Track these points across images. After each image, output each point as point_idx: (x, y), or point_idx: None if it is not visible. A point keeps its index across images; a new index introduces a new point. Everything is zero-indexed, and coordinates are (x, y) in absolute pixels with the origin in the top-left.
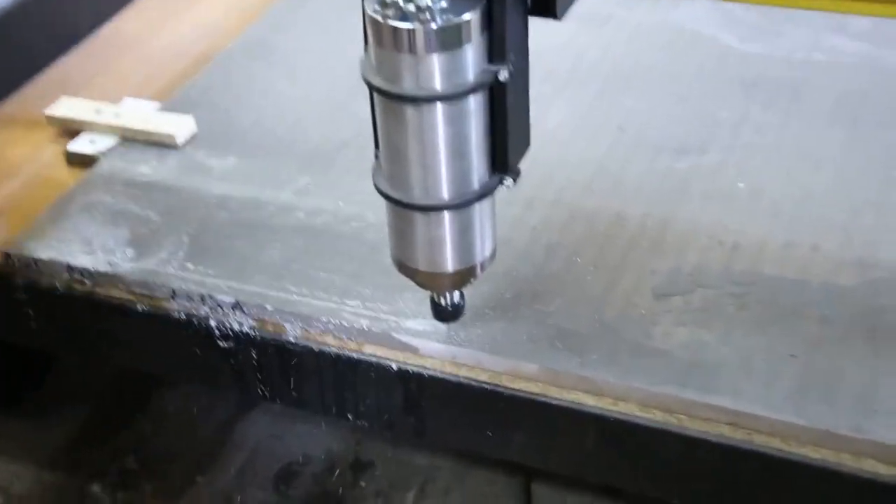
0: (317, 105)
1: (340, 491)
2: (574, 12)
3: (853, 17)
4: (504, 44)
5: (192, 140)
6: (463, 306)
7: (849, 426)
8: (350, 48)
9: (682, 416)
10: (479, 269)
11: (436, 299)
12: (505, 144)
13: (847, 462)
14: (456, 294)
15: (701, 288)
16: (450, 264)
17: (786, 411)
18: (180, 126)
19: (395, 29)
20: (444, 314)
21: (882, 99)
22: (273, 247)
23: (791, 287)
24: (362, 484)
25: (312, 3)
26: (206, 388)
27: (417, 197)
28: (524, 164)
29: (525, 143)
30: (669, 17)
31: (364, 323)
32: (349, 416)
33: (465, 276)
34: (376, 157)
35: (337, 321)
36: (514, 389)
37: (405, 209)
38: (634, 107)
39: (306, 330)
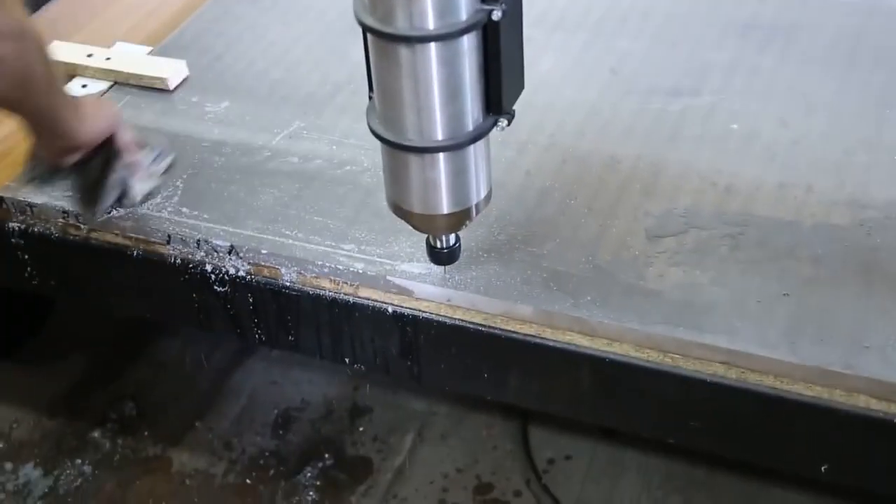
0: (310, 49)
1: (338, 436)
2: None
3: None
4: None
5: (185, 84)
6: (459, 249)
7: (841, 363)
8: None
9: (676, 355)
10: (474, 212)
11: (431, 242)
12: (499, 85)
13: (839, 398)
14: (451, 237)
15: (694, 229)
16: (445, 206)
17: (779, 350)
18: (172, 70)
19: None
20: (440, 257)
21: (877, 40)
22: (267, 191)
23: (784, 227)
24: (360, 429)
25: None
26: (203, 335)
27: (412, 138)
28: (517, 108)
29: (519, 84)
30: None
31: (359, 266)
32: (346, 360)
33: (460, 218)
34: (371, 98)
35: (332, 265)
36: (508, 331)
37: (400, 151)
38: (627, 50)
39: (302, 274)
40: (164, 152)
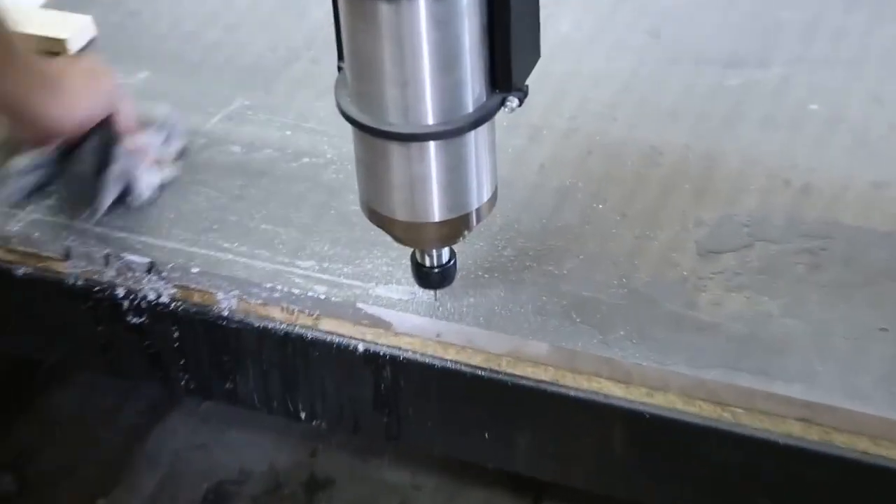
0: (255, 4)
1: None
2: None
3: None
4: None
5: (90, 47)
6: (454, 268)
7: None
8: None
9: (737, 409)
10: (474, 219)
11: (418, 259)
12: (507, 54)
13: None
14: (444, 252)
15: (761, 242)
16: (436, 212)
17: (875, 402)
18: (74, 29)
19: None
20: (429, 278)
21: None
22: (200, 191)
23: (879, 241)
24: None
25: None
26: (111, 383)
27: (394, 122)
28: (531, 81)
29: (534, 53)
30: None
31: (321, 290)
32: (301, 415)
33: (456, 227)
34: (340, 70)
35: (285, 288)
36: (517, 377)
37: (378, 139)
38: (672, 6)
39: (244, 300)
40: (174, 131)
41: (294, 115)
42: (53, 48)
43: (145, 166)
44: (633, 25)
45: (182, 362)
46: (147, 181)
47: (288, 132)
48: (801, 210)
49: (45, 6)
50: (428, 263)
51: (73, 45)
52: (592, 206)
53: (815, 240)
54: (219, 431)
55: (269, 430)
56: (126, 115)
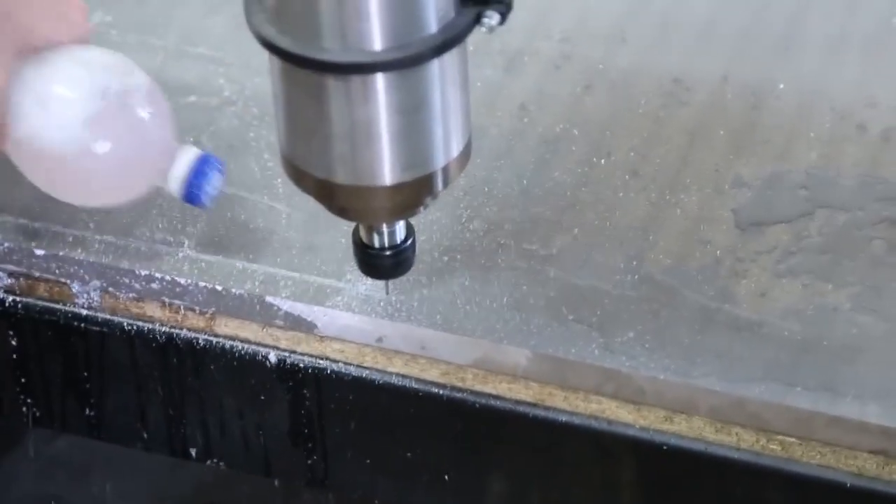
0: None
1: None
2: None
3: None
4: None
5: None
6: (411, 250)
7: None
8: None
9: (790, 439)
10: (439, 182)
11: (363, 238)
12: None
13: None
14: (399, 227)
15: (824, 209)
16: (388, 173)
17: None
18: None
19: None
20: (379, 265)
21: None
22: None
23: None
24: None
25: None
26: None
27: (329, 48)
28: None
29: None
30: None
31: (215, 279)
32: (191, 452)
33: (414, 193)
34: None
35: (165, 276)
36: (487, 396)
37: (307, 72)
38: None
39: (109, 293)
40: None
41: (176, 35)
42: None
43: None
44: None
45: (23, 381)
46: None
47: (168, 60)
48: (881, 165)
49: None
50: (377, 244)
51: None
52: (592, 160)
53: None
54: (76, 478)
55: (148, 473)
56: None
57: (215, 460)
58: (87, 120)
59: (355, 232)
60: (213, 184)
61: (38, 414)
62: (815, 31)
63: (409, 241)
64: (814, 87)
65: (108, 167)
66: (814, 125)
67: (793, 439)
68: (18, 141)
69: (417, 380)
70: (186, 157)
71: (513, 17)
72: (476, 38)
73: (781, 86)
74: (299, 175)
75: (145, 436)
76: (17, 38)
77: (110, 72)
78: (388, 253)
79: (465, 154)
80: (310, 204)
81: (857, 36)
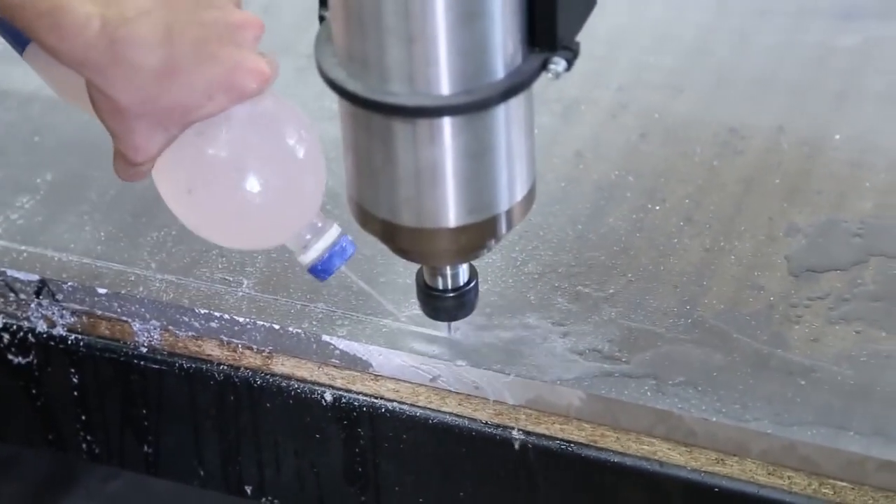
0: None
1: None
2: None
3: None
4: None
5: None
6: (474, 292)
7: None
8: None
9: (842, 483)
10: (503, 225)
11: (427, 280)
12: None
13: None
14: (462, 270)
15: (878, 257)
16: (453, 215)
17: None
18: None
19: None
20: (442, 306)
21: None
22: (103, 177)
23: None
24: None
25: None
26: None
27: (397, 92)
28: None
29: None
30: None
31: (272, 318)
32: (247, 490)
33: (478, 236)
34: (322, 19)
35: (224, 315)
36: (541, 436)
37: (375, 114)
38: None
39: (169, 331)
40: None
41: None
42: None
43: None
44: None
45: (83, 419)
46: None
47: None
48: None
49: None
50: (440, 286)
51: None
52: (647, 207)
53: None
54: None
55: None
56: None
57: (270, 498)
58: (252, 168)
59: (419, 273)
60: (341, 264)
61: (97, 450)
62: (870, 86)
63: (472, 284)
64: (869, 140)
65: (265, 215)
66: (868, 176)
67: (845, 483)
68: (186, 187)
69: (471, 419)
70: (330, 235)
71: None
72: (539, 85)
73: (837, 137)
74: (365, 216)
75: (201, 473)
76: (187, 121)
77: (287, 124)
78: (450, 295)
79: (529, 198)
80: (368, 244)
81: None
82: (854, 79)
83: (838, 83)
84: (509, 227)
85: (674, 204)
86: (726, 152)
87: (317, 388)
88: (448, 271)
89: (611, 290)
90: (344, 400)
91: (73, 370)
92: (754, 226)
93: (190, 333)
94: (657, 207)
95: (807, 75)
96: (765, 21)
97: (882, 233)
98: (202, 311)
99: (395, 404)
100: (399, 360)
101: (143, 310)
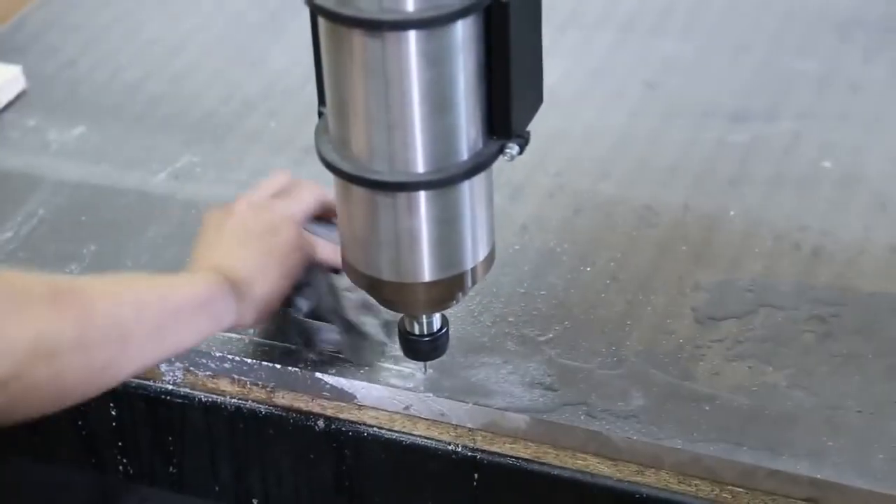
0: (207, 52)
1: None
2: None
3: None
4: None
5: (20, 101)
6: (445, 337)
7: None
8: None
9: (737, 489)
10: (469, 280)
11: (406, 326)
12: (507, 96)
13: None
14: (436, 318)
15: (766, 308)
16: (427, 271)
17: (890, 482)
18: (1, 79)
19: None
20: (418, 349)
21: None
22: (142, 255)
23: None
24: None
25: None
26: (30, 468)
27: (380, 170)
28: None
29: (536, 95)
30: None
31: (274, 359)
32: (254, 503)
33: (448, 289)
34: (321, 115)
35: (235, 357)
36: (494, 454)
37: (362, 189)
38: (671, 55)
39: (190, 371)
40: None
41: (248, 171)
42: None
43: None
44: (629, 76)
45: (120, 444)
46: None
47: (241, 190)
48: (812, 275)
49: None
50: (417, 331)
51: (2, 99)
52: (579, 269)
53: (826, 306)
54: None
55: None
56: (330, 256)
57: None
58: None
59: (400, 321)
60: None
61: (131, 471)
62: (757, 173)
63: (443, 330)
64: (758, 215)
65: None
66: (758, 244)
67: (740, 489)
68: None
69: (437, 440)
70: None
71: (517, 157)
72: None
73: (731, 213)
74: (354, 273)
75: (217, 488)
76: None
77: None
78: (426, 339)
79: (490, 258)
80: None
81: (793, 175)
82: (744, 167)
83: (732, 171)
84: (474, 281)
85: (601, 266)
86: (643, 225)
87: (311, 416)
88: (424, 319)
89: (550, 335)
90: (333, 426)
91: (111, 404)
92: (666, 283)
93: (207, 373)
94: (588, 269)
95: (707, 164)
96: (674, 121)
97: (769, 288)
98: (217, 354)
99: (374, 429)
100: (378, 393)
101: None
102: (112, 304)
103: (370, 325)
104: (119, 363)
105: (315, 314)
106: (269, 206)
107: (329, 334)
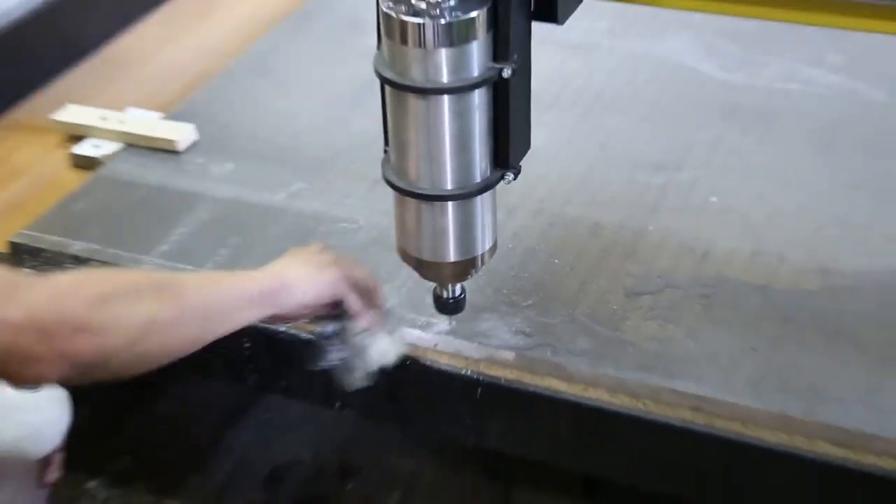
0: (312, 118)
1: (328, 493)
2: (563, 40)
3: (831, 50)
4: (508, 43)
5: (193, 147)
6: (464, 300)
7: (803, 411)
8: (341, 69)
9: (647, 401)
10: (479, 261)
11: (437, 292)
12: (507, 140)
13: (800, 444)
14: (457, 286)
15: (670, 288)
16: (451, 254)
17: (745, 397)
18: (182, 132)
19: (407, 23)
20: (446, 306)
21: (854, 127)
22: (266, 245)
23: (756, 291)
24: (349, 487)
25: (308, 27)
26: (198, 395)
27: (423, 187)
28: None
29: (526, 142)
30: (654, 48)
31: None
32: (336, 405)
33: (466, 267)
34: (385, 153)
35: None
36: (491, 377)
37: (411, 199)
38: (616, 127)
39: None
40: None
41: (337, 194)
42: (166, 147)
43: (375, 342)
44: (588, 140)
45: (251, 364)
46: (376, 355)
47: (331, 207)
48: (700, 269)
49: (164, 118)
50: (445, 295)
51: (181, 145)
52: (552, 261)
53: (709, 288)
54: (277, 432)
55: (313, 431)
56: (353, 301)
57: (348, 409)
58: None
59: (435, 288)
60: None
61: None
62: (669, 203)
63: (462, 295)
64: (668, 230)
65: None
66: (666, 249)
67: (649, 401)
68: None
69: (454, 367)
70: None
71: (512, 188)
72: (501, 188)
73: (651, 228)
74: (404, 254)
75: (312, 393)
76: None
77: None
78: (451, 301)
79: (494, 247)
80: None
81: (691, 206)
82: (660, 200)
83: (652, 202)
84: (483, 263)
85: (564, 261)
86: (593, 235)
87: None
88: (450, 287)
89: (530, 302)
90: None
91: (244, 339)
92: (607, 272)
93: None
94: (556, 261)
95: (636, 197)
96: (616, 169)
97: (672, 276)
98: None
99: (417, 359)
100: (417, 336)
101: None
102: (197, 293)
103: (365, 365)
104: (202, 335)
105: (332, 339)
106: (331, 251)
107: (336, 354)
